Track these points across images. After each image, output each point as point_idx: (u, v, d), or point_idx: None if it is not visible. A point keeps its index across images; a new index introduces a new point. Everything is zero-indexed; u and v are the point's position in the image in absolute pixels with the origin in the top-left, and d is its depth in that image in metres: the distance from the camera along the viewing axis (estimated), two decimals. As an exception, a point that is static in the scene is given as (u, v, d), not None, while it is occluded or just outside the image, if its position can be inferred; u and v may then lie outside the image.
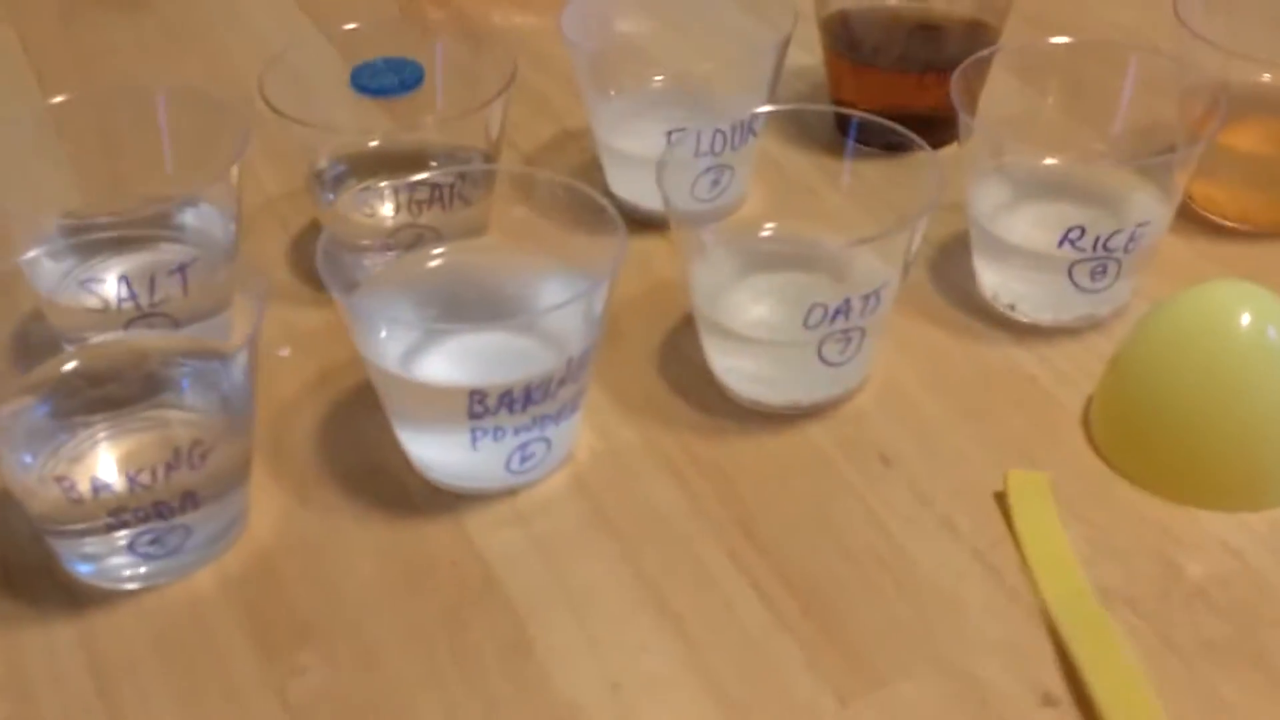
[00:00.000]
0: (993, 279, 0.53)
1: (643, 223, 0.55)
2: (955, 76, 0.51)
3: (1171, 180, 0.51)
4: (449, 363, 0.46)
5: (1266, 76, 0.57)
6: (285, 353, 0.52)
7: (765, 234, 0.53)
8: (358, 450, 0.48)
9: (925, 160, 0.49)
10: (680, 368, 0.51)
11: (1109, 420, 0.47)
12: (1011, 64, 0.55)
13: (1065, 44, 0.56)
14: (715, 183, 0.57)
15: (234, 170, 0.50)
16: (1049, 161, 0.54)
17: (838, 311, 0.46)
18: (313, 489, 0.47)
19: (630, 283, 0.54)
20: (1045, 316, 0.52)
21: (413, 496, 0.46)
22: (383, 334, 0.45)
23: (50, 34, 0.74)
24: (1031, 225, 0.52)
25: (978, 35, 0.61)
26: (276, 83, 0.53)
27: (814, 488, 0.46)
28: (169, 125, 0.54)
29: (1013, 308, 0.52)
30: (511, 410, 0.43)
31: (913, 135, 0.49)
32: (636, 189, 0.57)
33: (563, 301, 0.44)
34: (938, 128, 0.53)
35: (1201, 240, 0.56)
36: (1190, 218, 0.57)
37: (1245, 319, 0.44)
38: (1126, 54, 0.55)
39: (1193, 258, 0.56)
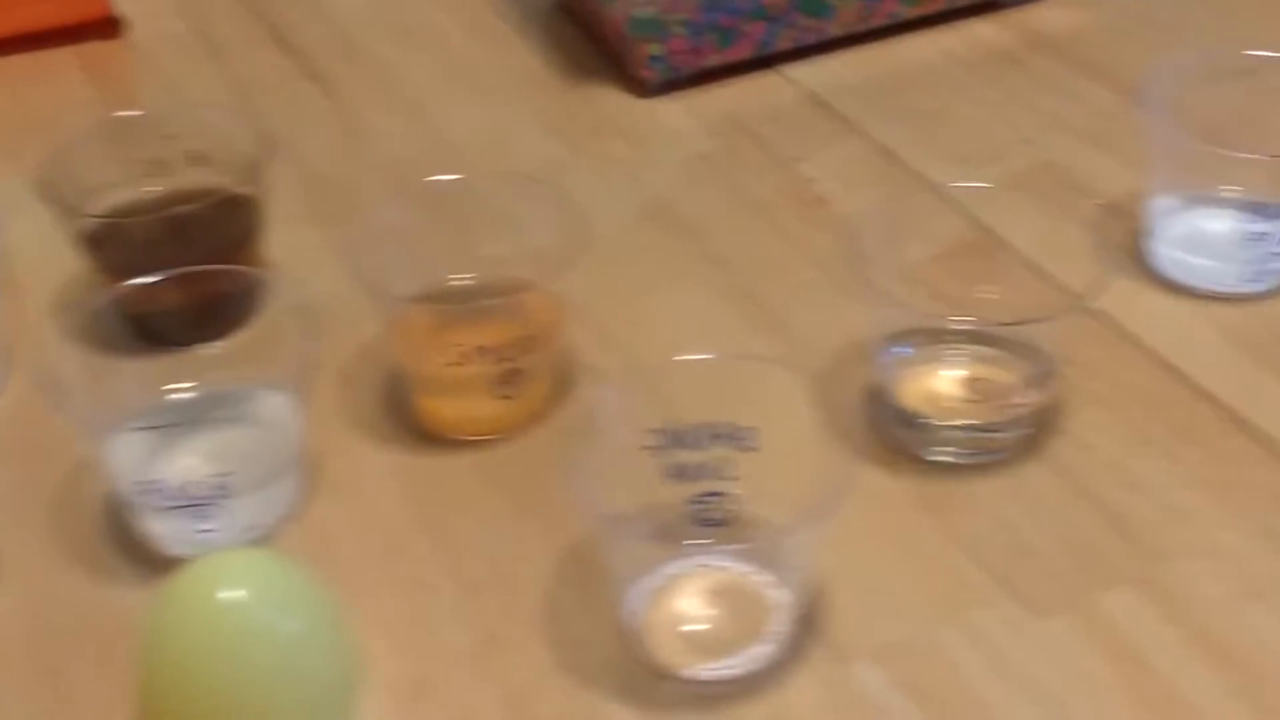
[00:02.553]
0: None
1: None
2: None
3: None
4: None
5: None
6: None
7: None
8: None
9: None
10: None
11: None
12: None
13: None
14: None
15: None
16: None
17: None
18: None
19: None
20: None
21: None
22: None
23: None
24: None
25: (240, 212, 0.61)
26: None
27: None
28: None
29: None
30: None
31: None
32: None
33: None
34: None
35: (405, 454, 0.57)
36: (429, 436, 0.57)
37: (224, 595, 0.44)
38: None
39: (382, 477, 0.55)
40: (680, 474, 0.50)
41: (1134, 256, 0.65)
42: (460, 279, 0.57)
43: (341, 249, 0.66)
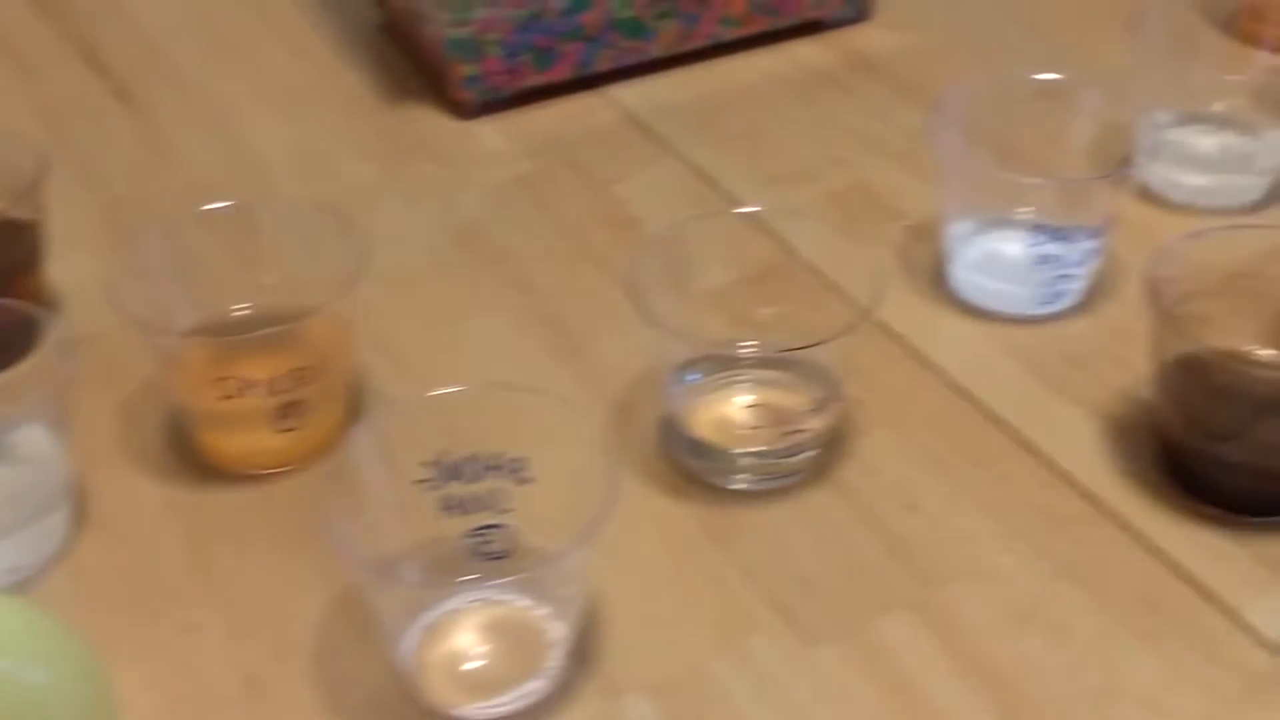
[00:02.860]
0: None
1: None
2: None
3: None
4: None
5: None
6: None
7: None
8: None
9: None
10: None
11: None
12: None
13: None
14: None
15: None
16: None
17: None
18: None
19: None
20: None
21: None
22: None
23: None
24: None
25: (17, 238, 0.59)
26: None
27: None
28: None
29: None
30: None
31: None
32: None
33: None
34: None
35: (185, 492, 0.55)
36: (212, 471, 0.55)
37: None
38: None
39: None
40: (456, 507, 0.49)
41: (936, 279, 0.65)
42: (240, 309, 0.56)
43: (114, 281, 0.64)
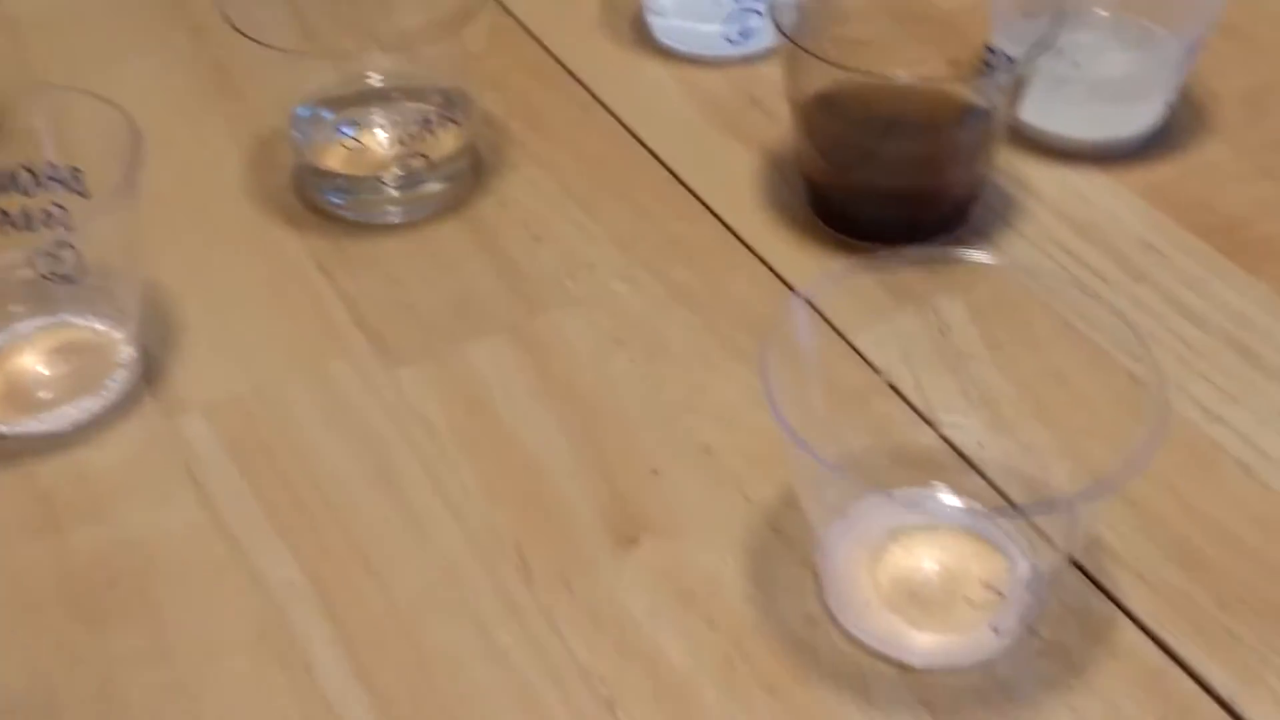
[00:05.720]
0: None
1: None
2: None
3: None
4: None
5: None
6: None
7: None
8: None
9: None
10: None
11: None
12: None
13: None
14: None
15: None
16: None
17: None
18: None
19: None
20: None
21: None
22: None
23: None
24: None
25: None
26: None
27: None
28: None
29: None
30: None
31: None
32: None
33: None
34: None
35: None
36: None
37: None
38: None
39: None
40: (15, 223, 0.46)
41: (639, 25, 0.62)
42: None
43: None
